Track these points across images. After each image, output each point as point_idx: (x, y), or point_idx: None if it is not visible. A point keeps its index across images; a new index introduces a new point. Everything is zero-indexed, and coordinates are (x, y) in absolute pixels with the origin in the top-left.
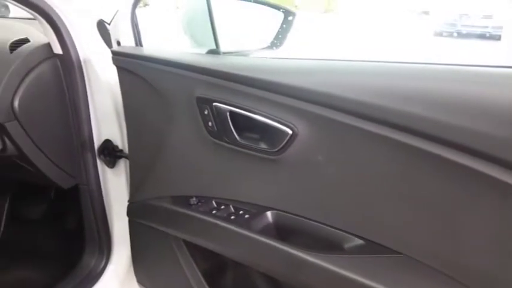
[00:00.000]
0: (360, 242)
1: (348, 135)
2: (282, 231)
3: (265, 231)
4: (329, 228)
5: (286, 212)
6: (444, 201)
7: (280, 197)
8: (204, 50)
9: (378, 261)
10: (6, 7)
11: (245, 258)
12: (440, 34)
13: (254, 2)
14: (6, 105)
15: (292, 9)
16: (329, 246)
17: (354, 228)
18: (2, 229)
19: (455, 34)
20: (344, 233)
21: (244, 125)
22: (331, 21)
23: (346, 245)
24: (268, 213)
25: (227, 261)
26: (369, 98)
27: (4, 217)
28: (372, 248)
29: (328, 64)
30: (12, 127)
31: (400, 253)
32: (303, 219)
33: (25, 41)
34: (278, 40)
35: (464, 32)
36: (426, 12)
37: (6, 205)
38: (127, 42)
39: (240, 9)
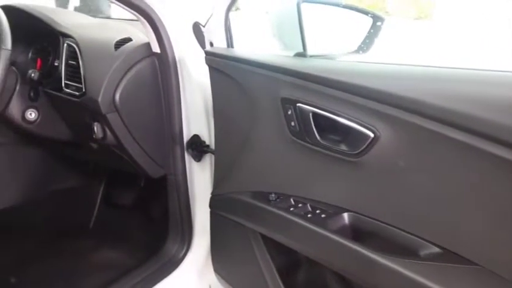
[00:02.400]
0: (436, 249)
1: (431, 141)
2: (357, 233)
3: (341, 231)
4: (405, 233)
5: (363, 215)
6: None
7: (357, 200)
8: (292, 53)
9: (455, 270)
10: (108, 8)
11: (319, 256)
12: None
13: (343, 7)
14: (108, 97)
15: (382, 14)
16: (404, 251)
17: (431, 235)
18: (95, 213)
19: None
20: (421, 240)
21: (326, 126)
22: (424, 27)
23: (422, 252)
24: (345, 215)
25: (301, 257)
26: (456, 106)
27: (98, 201)
28: (449, 257)
29: (414, 70)
30: (112, 118)
31: (479, 265)
32: (379, 223)
33: (128, 40)
34: (365, 45)
35: None
36: None
37: (101, 191)
38: (219, 44)
39: (329, 13)
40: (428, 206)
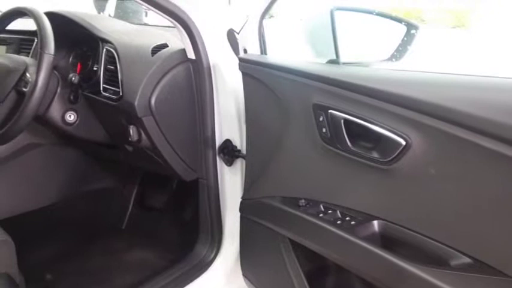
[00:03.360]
0: (466, 259)
1: (463, 150)
2: (386, 241)
3: (370, 239)
4: (435, 242)
5: (393, 223)
6: None
7: (388, 207)
8: (325, 60)
9: (485, 281)
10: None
11: (347, 262)
12: None
13: (376, 14)
14: (145, 101)
15: (416, 22)
16: (434, 260)
17: (461, 245)
18: (128, 214)
19: None
20: (451, 250)
21: (357, 133)
22: (462, 36)
23: (452, 262)
24: (375, 222)
25: (329, 263)
26: (489, 114)
27: (131, 203)
28: (479, 267)
29: (447, 78)
30: (148, 121)
31: (510, 276)
32: (409, 231)
33: (164, 46)
34: (398, 53)
35: None
36: None
37: (134, 192)
38: (253, 50)
39: (362, 21)
40: (459, 215)
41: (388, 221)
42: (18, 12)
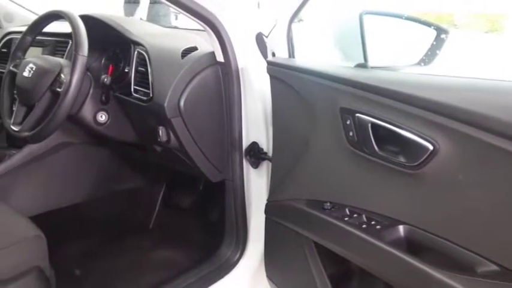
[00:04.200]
0: (494, 267)
1: (492, 156)
2: (412, 246)
3: (396, 243)
4: (462, 249)
5: (419, 228)
6: None
7: (414, 212)
8: (353, 64)
9: None
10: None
11: (372, 267)
12: None
13: (405, 18)
14: (174, 103)
15: (446, 27)
16: (461, 267)
17: (489, 252)
18: (156, 213)
19: None
20: (478, 256)
21: (384, 137)
22: (495, 41)
23: (479, 269)
24: (400, 227)
25: (354, 267)
26: None
27: (159, 202)
28: (507, 275)
29: (477, 83)
30: (177, 122)
31: None
32: (436, 237)
33: (194, 49)
34: (427, 57)
35: None
36: None
37: (162, 192)
38: (281, 54)
39: (391, 25)
40: (487, 222)
41: (414, 226)
42: (54, 15)
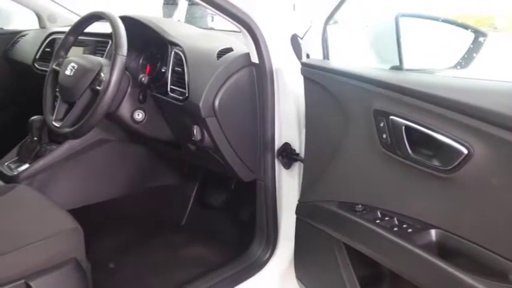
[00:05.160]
0: None
1: None
2: (444, 251)
3: (427, 248)
4: (495, 255)
5: (451, 233)
6: None
7: (446, 217)
8: (388, 66)
9: None
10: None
11: (403, 270)
12: None
13: (442, 21)
14: (209, 103)
15: (484, 30)
16: (493, 273)
17: None
18: (188, 210)
19: None
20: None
21: (418, 140)
22: None
23: None
24: (432, 231)
25: (384, 270)
26: None
27: (191, 200)
28: None
29: None
30: (211, 122)
31: None
32: (468, 242)
33: (229, 50)
34: (464, 60)
35: None
36: None
37: (195, 190)
38: (316, 56)
39: (427, 27)
40: None
41: (446, 230)
42: (96, 16)
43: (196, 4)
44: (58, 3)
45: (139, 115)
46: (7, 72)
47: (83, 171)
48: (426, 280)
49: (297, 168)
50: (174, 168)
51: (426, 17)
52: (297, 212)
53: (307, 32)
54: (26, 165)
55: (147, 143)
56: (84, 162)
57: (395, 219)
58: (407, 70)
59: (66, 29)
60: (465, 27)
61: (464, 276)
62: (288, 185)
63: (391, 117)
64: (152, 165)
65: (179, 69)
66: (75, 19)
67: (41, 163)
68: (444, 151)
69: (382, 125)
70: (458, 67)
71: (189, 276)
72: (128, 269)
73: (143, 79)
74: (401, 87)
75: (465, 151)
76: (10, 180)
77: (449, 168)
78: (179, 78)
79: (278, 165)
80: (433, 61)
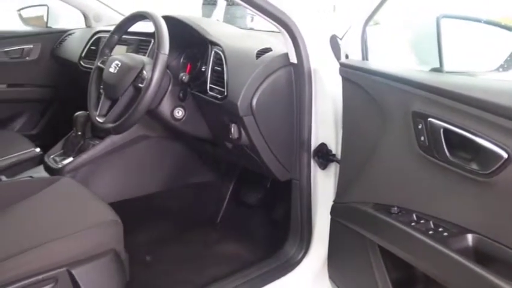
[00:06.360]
0: None
1: None
2: (480, 256)
3: (463, 252)
4: None
5: (489, 238)
6: None
7: (484, 222)
8: (427, 68)
9: None
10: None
11: (437, 274)
12: None
13: (485, 22)
14: (247, 102)
15: None
16: None
17: None
18: (224, 208)
19: None
20: None
21: (456, 143)
22: None
23: None
24: (469, 236)
25: (417, 273)
26: None
27: (227, 198)
28: None
29: None
30: (248, 121)
31: None
32: (506, 248)
33: (268, 50)
34: (507, 63)
35: None
36: None
37: (231, 188)
38: (354, 56)
39: (469, 29)
40: None
41: (484, 235)
42: (139, 16)
43: (237, 4)
44: (103, 3)
45: (179, 112)
46: (54, 69)
47: (123, 165)
48: (461, 285)
49: (333, 168)
50: (211, 166)
51: (468, 18)
52: (331, 213)
53: (346, 32)
54: (70, 159)
55: (185, 140)
56: (124, 157)
57: (431, 222)
58: (447, 72)
59: (111, 28)
60: (509, 29)
61: (500, 282)
62: (323, 186)
63: (430, 119)
64: (190, 162)
65: (219, 68)
66: (120, 19)
67: (84, 157)
68: (483, 155)
69: (420, 127)
70: (501, 70)
71: (222, 272)
72: (163, 263)
73: (184, 77)
74: (440, 89)
75: (505, 155)
76: (55, 172)
77: (488, 172)
78: (218, 77)
79: (314, 166)
80: (474, 63)
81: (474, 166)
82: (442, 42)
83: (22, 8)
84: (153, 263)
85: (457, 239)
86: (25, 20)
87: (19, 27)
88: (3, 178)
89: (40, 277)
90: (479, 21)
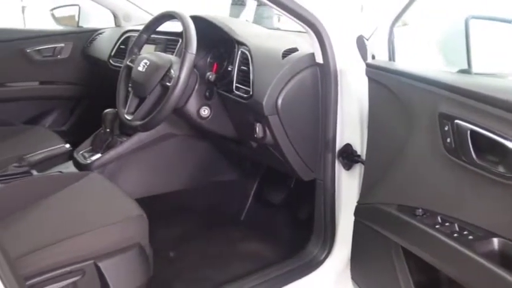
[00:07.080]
0: None
1: None
2: (506, 261)
3: (489, 256)
4: None
5: None
6: None
7: (510, 226)
8: (455, 70)
9: None
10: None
11: (462, 277)
12: None
13: None
14: (272, 101)
15: None
16: None
17: None
18: (247, 206)
19: None
20: None
21: (483, 145)
22: None
23: None
24: (495, 240)
25: (441, 276)
26: None
27: (251, 196)
28: None
29: None
30: (273, 120)
31: None
32: None
33: (294, 50)
34: None
35: None
36: None
37: (255, 187)
38: (381, 57)
39: (499, 30)
40: None
41: (510, 239)
42: (168, 16)
43: (264, 5)
44: (133, 3)
45: (205, 111)
46: (85, 67)
47: (150, 163)
48: None
49: (358, 169)
50: (236, 165)
51: (498, 19)
52: (355, 214)
53: (373, 33)
54: (99, 155)
55: (211, 138)
56: (151, 154)
57: (456, 225)
58: (476, 74)
59: (140, 27)
60: None
61: None
62: (348, 186)
63: (457, 121)
64: (215, 160)
65: (245, 67)
66: (148, 18)
67: (112, 153)
68: (511, 158)
69: (446, 128)
70: None
71: (244, 271)
72: (187, 259)
73: (210, 77)
74: (467, 90)
75: None
76: (84, 168)
77: None
78: (244, 77)
79: (338, 166)
80: (503, 65)
81: (501, 169)
82: (470, 43)
83: (55, 8)
84: (177, 259)
85: (482, 243)
86: (57, 20)
87: (52, 26)
88: (35, 173)
89: (68, 269)
90: (509, 22)
